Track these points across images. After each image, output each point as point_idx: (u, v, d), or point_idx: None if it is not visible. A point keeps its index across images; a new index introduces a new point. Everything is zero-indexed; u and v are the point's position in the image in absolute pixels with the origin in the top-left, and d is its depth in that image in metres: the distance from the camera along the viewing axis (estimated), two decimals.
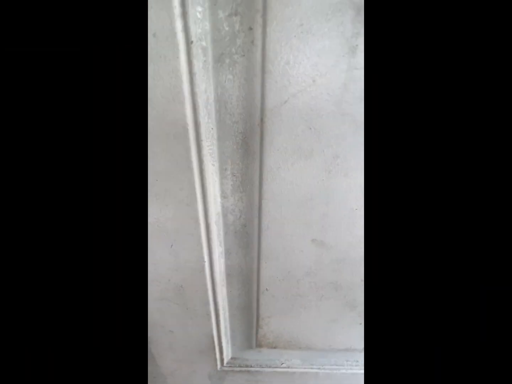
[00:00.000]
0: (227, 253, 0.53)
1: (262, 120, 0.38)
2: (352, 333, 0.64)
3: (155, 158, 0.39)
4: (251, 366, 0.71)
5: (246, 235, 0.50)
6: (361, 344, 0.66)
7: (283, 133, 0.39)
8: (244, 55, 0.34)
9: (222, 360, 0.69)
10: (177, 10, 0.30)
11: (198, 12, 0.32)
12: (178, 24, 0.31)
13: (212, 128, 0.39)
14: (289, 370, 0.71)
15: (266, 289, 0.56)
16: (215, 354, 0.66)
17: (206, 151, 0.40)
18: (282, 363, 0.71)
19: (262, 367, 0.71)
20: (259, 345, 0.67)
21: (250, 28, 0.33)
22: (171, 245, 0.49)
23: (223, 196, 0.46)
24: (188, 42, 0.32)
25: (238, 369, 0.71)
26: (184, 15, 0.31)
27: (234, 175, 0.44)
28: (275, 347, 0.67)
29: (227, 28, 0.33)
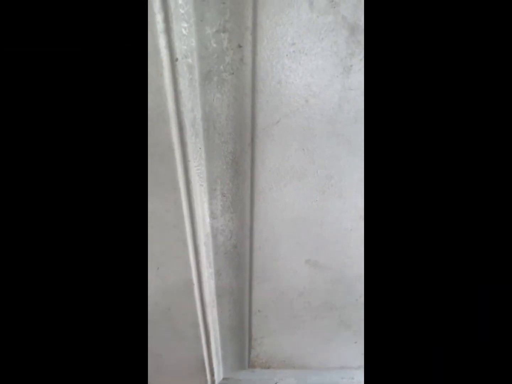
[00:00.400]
0: (217, 274, 0.50)
1: (253, 140, 0.36)
2: (347, 352, 0.62)
3: None
4: None
5: (237, 255, 0.48)
6: (356, 362, 0.65)
7: (275, 154, 0.37)
8: (233, 73, 0.32)
9: (213, 381, 0.66)
10: (160, 26, 0.28)
11: (183, 28, 0.30)
12: (162, 41, 0.29)
13: (200, 148, 0.37)
14: None
15: (259, 310, 0.54)
16: (205, 375, 0.64)
17: (193, 171, 0.38)
18: (276, 383, 0.68)
19: None
20: (252, 365, 0.64)
21: (240, 46, 0.31)
22: (158, 268, 0.46)
23: (213, 216, 0.44)
24: (173, 60, 0.30)
25: None
26: (168, 31, 0.29)
27: (224, 195, 0.42)
28: (268, 367, 0.65)
29: (214, 45, 0.31)
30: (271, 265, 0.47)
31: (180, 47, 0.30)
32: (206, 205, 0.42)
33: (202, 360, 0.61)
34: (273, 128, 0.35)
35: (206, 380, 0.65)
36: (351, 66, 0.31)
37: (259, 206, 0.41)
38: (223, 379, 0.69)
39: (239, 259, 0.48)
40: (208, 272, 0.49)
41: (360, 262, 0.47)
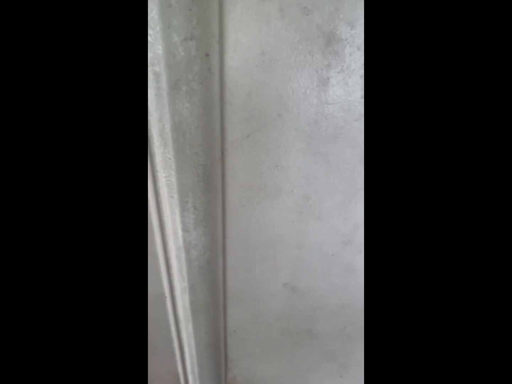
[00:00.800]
0: (192, 289, 0.48)
1: (223, 153, 0.34)
2: None
3: None
4: None
5: (211, 272, 0.45)
6: None
7: (247, 169, 0.34)
8: (201, 83, 0.31)
9: None
10: None
11: (148, 35, 0.28)
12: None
13: (169, 158, 0.35)
14: None
15: (234, 331, 0.51)
16: None
17: (162, 182, 0.36)
18: None
19: None
20: None
21: (207, 54, 0.29)
22: None
23: (185, 229, 0.42)
24: None
25: None
26: None
27: (196, 209, 0.40)
28: None
29: (182, 53, 0.30)
30: (246, 286, 0.44)
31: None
32: (178, 218, 0.40)
33: (177, 375, 0.58)
34: (243, 142, 0.32)
35: None
36: (328, 78, 0.28)
37: (231, 223, 0.38)
38: None
39: (212, 276, 0.45)
40: (181, 287, 0.47)
41: (343, 290, 0.43)
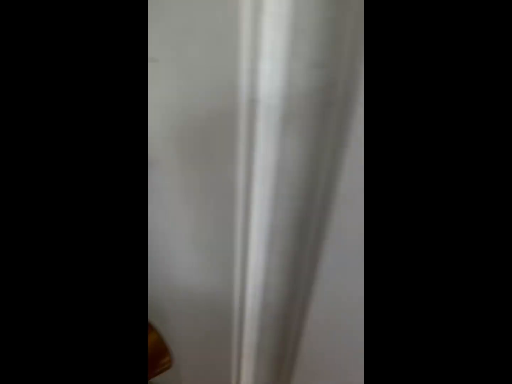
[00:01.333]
0: (261, 331, 0.43)
1: (328, 205, 0.26)
2: None
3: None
4: None
5: (285, 327, 0.39)
6: None
7: (356, 227, 0.25)
8: (318, 118, 0.25)
9: None
10: (244, 64, 0.25)
11: (270, 66, 0.25)
12: (243, 80, 0.26)
13: (264, 197, 0.32)
14: None
15: None
16: None
17: (254, 219, 0.33)
18: None
19: None
20: None
21: (330, 84, 0.23)
22: None
23: (267, 271, 0.37)
24: (252, 100, 0.27)
25: None
26: (253, 70, 0.25)
27: (283, 255, 0.34)
28: None
29: (302, 83, 0.25)
30: (321, 364, 0.35)
31: (263, 86, 0.26)
32: (262, 257, 0.36)
33: None
34: (359, 196, 0.24)
35: None
36: None
37: (317, 293, 0.30)
38: None
39: (284, 330, 0.39)
40: (251, 324, 0.43)
41: None
